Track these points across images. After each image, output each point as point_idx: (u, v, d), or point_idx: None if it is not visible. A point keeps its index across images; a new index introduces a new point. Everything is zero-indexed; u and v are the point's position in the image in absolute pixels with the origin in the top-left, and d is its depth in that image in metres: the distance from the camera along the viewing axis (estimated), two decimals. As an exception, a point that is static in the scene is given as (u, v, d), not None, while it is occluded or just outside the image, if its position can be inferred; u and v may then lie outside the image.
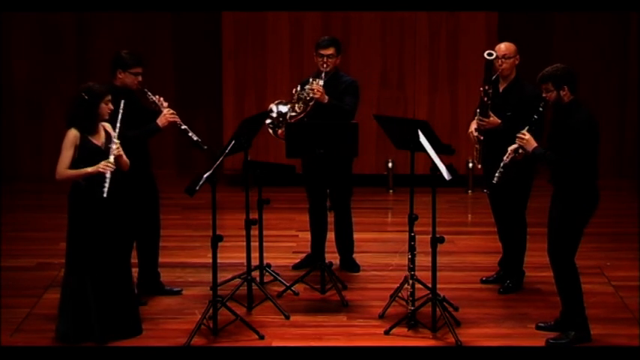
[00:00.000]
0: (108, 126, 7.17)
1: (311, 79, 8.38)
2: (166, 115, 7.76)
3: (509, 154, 7.37)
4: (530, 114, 7.33)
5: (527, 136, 7.20)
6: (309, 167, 8.51)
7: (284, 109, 8.36)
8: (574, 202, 7.07)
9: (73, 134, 7.07)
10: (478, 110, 8.06)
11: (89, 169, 7.00)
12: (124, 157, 7.15)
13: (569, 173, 7.04)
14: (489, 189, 7.73)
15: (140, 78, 7.79)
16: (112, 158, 7.03)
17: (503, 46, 8.11)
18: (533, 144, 7.17)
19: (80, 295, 7.14)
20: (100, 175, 7.00)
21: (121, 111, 7.16)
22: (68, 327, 7.18)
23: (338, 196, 8.61)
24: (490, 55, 7.98)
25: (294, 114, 8.32)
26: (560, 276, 7.17)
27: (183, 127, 7.74)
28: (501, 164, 7.42)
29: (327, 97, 8.27)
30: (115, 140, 7.08)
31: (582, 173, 7.05)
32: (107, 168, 6.99)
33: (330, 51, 8.40)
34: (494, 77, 8.10)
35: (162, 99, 7.82)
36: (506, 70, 8.09)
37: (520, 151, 7.29)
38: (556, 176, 7.16)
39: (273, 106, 8.39)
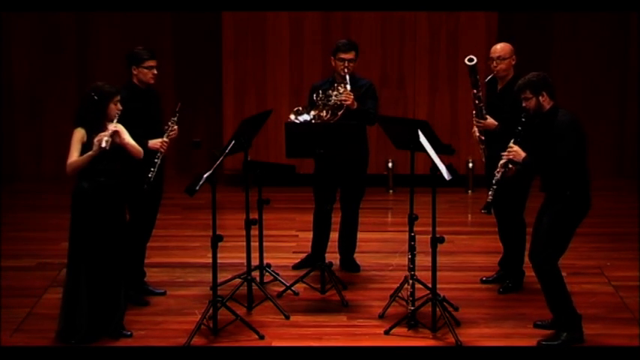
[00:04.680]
0: (115, 125, 7.16)
1: (335, 85, 8.32)
2: (162, 142, 7.73)
3: (499, 169, 7.31)
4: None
5: (515, 147, 7.15)
6: (321, 167, 8.43)
7: (307, 117, 8.24)
8: (565, 210, 7.05)
9: (80, 133, 7.11)
10: (474, 112, 8.10)
11: (91, 152, 7.04)
12: (126, 138, 7.16)
13: (560, 176, 7.00)
14: (486, 209, 7.58)
15: (155, 71, 7.82)
16: (109, 130, 7.07)
17: (499, 47, 8.12)
18: (522, 154, 7.11)
19: (73, 294, 7.16)
20: (106, 179, 7.10)
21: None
22: (61, 325, 7.20)
23: (350, 197, 8.59)
24: (471, 60, 8.02)
25: (320, 121, 8.20)
26: (545, 281, 7.15)
27: (157, 161, 7.73)
28: (493, 181, 7.35)
29: (356, 103, 8.25)
30: (114, 124, 7.13)
31: (573, 179, 7.02)
32: (102, 136, 7.02)
33: (352, 55, 8.35)
34: (488, 78, 8.11)
35: (175, 132, 7.80)
36: (502, 72, 8.10)
37: (510, 165, 7.24)
38: (547, 184, 7.13)
39: (297, 117, 8.23)
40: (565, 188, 7.03)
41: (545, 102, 7.08)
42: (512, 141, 7.19)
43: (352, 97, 8.20)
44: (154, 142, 7.71)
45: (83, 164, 7.08)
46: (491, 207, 7.46)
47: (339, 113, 8.23)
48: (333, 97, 8.25)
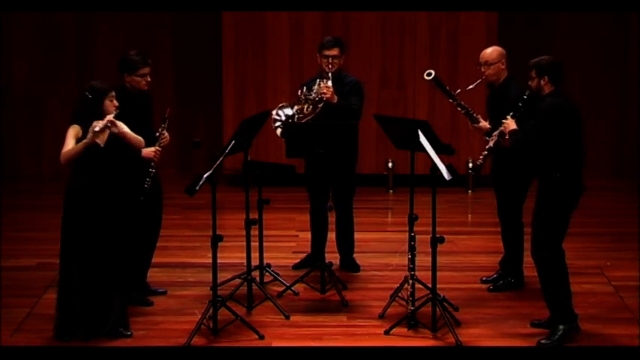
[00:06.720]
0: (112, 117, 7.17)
1: (317, 80, 8.36)
2: (155, 151, 7.69)
3: (494, 137, 7.50)
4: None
5: (508, 119, 7.31)
6: (312, 167, 8.48)
7: (289, 111, 8.30)
8: (555, 192, 7.06)
9: (75, 129, 7.13)
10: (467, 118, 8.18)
11: (86, 140, 7.03)
12: (124, 128, 7.17)
13: (549, 159, 7.04)
14: (473, 170, 7.83)
15: (148, 78, 7.80)
16: (105, 120, 7.09)
17: (487, 52, 8.12)
18: (512, 126, 7.26)
19: (67, 293, 7.17)
20: (100, 178, 7.09)
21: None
22: (56, 323, 7.21)
23: (341, 196, 8.60)
24: (429, 75, 8.05)
25: (302, 115, 8.28)
26: (542, 268, 7.14)
27: (152, 171, 7.71)
28: (486, 147, 7.57)
29: (336, 97, 8.26)
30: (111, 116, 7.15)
31: (562, 162, 7.04)
32: (97, 124, 7.03)
33: (335, 51, 8.38)
34: (478, 83, 8.11)
35: (166, 139, 7.77)
36: (491, 77, 8.10)
37: (506, 136, 7.35)
38: (537, 167, 7.17)
39: (278, 112, 8.31)
40: (554, 171, 7.04)
41: (546, 86, 7.13)
42: (510, 114, 7.32)
43: (331, 90, 8.23)
44: (148, 152, 7.65)
45: (77, 153, 7.05)
46: (479, 169, 7.77)
47: (320, 106, 8.26)
48: (314, 92, 8.29)
